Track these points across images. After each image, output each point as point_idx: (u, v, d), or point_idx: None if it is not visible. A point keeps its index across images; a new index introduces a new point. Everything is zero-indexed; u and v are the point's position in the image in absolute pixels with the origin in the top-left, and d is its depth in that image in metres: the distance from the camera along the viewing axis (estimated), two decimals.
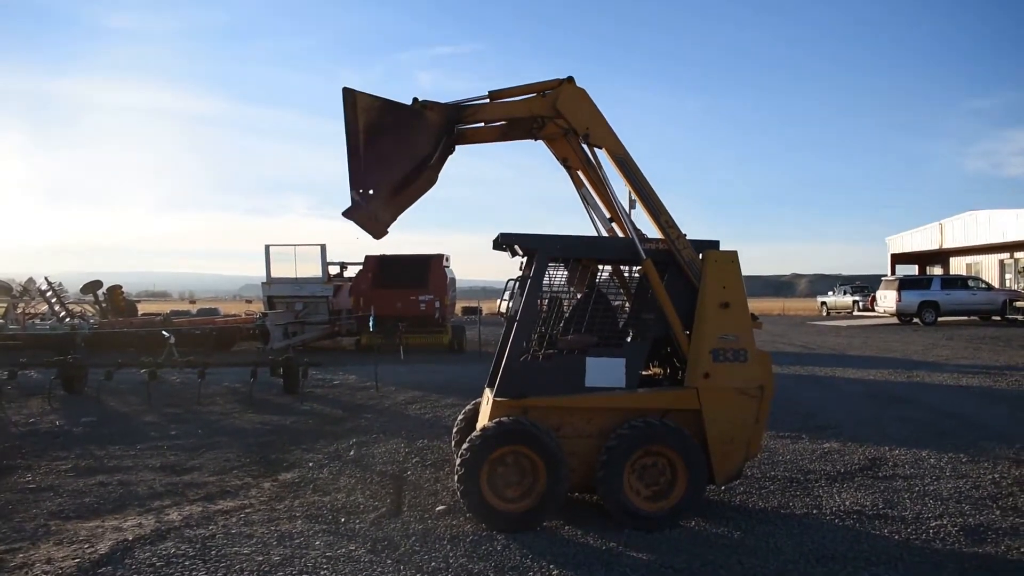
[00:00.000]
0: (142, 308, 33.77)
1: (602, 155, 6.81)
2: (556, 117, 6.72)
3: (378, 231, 6.58)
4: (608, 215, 7.19)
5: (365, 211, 6.42)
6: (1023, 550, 5.60)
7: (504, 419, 6.09)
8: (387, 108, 6.52)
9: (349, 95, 6.39)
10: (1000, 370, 16.38)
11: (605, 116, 6.69)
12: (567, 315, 6.93)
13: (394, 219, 6.70)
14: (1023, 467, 7.94)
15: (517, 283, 7.04)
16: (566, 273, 7.03)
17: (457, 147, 6.98)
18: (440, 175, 6.83)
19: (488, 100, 6.78)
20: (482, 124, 6.95)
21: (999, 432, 9.70)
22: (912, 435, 9.57)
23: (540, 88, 6.72)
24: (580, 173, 7.14)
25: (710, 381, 6.28)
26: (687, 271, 6.44)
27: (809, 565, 5.32)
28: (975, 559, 5.45)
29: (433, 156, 6.63)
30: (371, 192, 6.44)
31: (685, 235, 6.51)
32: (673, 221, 6.50)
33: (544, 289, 6.91)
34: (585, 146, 6.82)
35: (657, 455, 6.13)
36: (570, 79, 6.66)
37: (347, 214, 6.43)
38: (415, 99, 6.63)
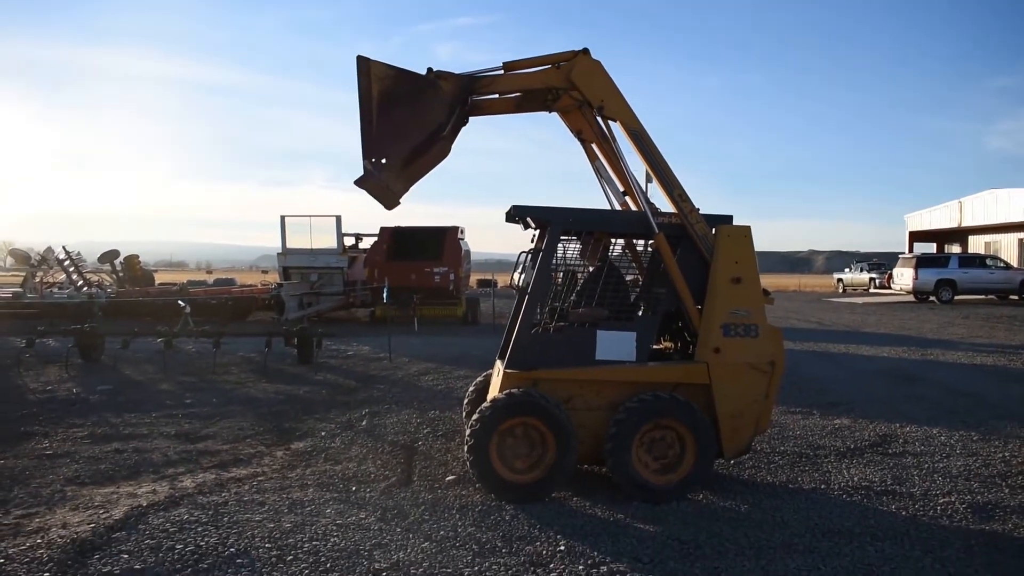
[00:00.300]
0: (159, 278, 34.01)
1: (616, 128, 6.78)
2: (571, 89, 6.68)
3: (390, 201, 6.58)
4: (622, 188, 7.16)
5: (377, 180, 6.42)
6: None
7: (514, 391, 6.12)
8: (401, 77, 6.49)
9: (363, 63, 6.36)
10: (1016, 349, 16.27)
11: (620, 89, 6.65)
12: (579, 288, 6.94)
13: (407, 190, 6.69)
14: None
15: (529, 256, 7.04)
16: (579, 246, 7.03)
17: (472, 118, 6.96)
18: (455, 146, 6.82)
19: (502, 71, 6.75)
20: (496, 96, 6.93)
21: (1012, 411, 9.66)
22: (924, 413, 9.56)
23: (555, 60, 6.68)
24: (594, 146, 7.11)
25: (721, 356, 6.28)
26: (699, 245, 6.42)
27: (815, 539, 5.34)
28: (982, 536, 5.45)
29: (447, 126, 6.61)
30: (383, 161, 6.43)
31: (698, 209, 6.48)
32: (686, 195, 6.47)
33: (558, 262, 6.91)
34: (599, 119, 6.78)
35: (666, 428, 6.15)
36: (585, 51, 6.60)
37: (359, 183, 6.43)
38: (429, 69, 6.60)
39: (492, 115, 7.13)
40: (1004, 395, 10.93)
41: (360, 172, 6.41)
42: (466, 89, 6.69)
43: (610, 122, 6.78)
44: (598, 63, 6.62)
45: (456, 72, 6.65)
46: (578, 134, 7.11)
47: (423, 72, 6.57)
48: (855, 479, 6.77)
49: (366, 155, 6.41)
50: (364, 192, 6.45)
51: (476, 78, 6.72)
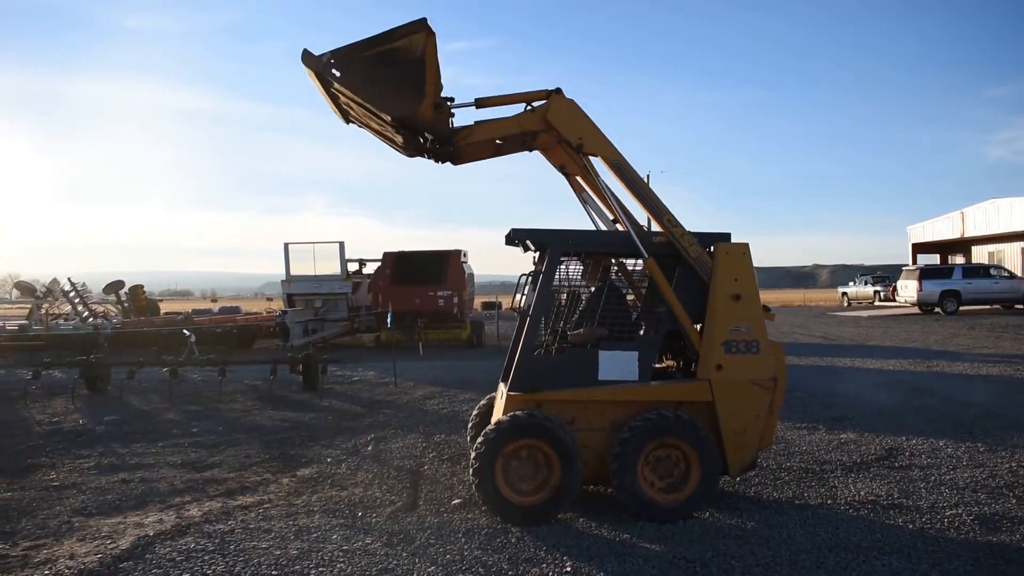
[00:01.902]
0: (164, 307, 34.12)
1: (597, 162, 6.81)
2: (548, 129, 6.72)
3: (337, 110, 6.88)
4: (611, 217, 7.19)
5: (320, 71, 6.34)
6: None
7: (518, 413, 6.13)
8: (419, 66, 6.28)
9: (422, 26, 6.14)
10: (1022, 359, 16.23)
11: (597, 123, 6.69)
12: (580, 309, 6.96)
13: (353, 120, 7.05)
14: None
15: (530, 278, 7.07)
16: (579, 268, 7.06)
17: (458, 164, 7.06)
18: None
19: (475, 105, 6.72)
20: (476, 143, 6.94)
21: (1018, 421, 9.63)
22: (930, 425, 9.54)
23: (528, 98, 6.70)
24: (579, 179, 7.15)
25: (723, 373, 6.29)
26: (695, 268, 6.44)
27: (822, 555, 5.33)
28: (989, 548, 5.43)
29: (390, 128, 6.62)
30: (334, 71, 6.35)
31: (689, 232, 6.49)
32: (676, 220, 6.49)
33: (561, 283, 6.94)
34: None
35: (671, 447, 6.16)
36: (558, 90, 6.64)
37: (305, 56, 6.36)
38: (451, 98, 6.58)
39: (477, 161, 7.19)
40: (1010, 405, 10.90)
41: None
42: (442, 136, 6.65)
43: (591, 157, 6.81)
44: (571, 101, 6.66)
45: (451, 117, 6.67)
46: (562, 168, 7.15)
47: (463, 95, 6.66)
48: (862, 493, 6.76)
49: (333, 51, 6.35)
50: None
51: (454, 130, 6.70)
